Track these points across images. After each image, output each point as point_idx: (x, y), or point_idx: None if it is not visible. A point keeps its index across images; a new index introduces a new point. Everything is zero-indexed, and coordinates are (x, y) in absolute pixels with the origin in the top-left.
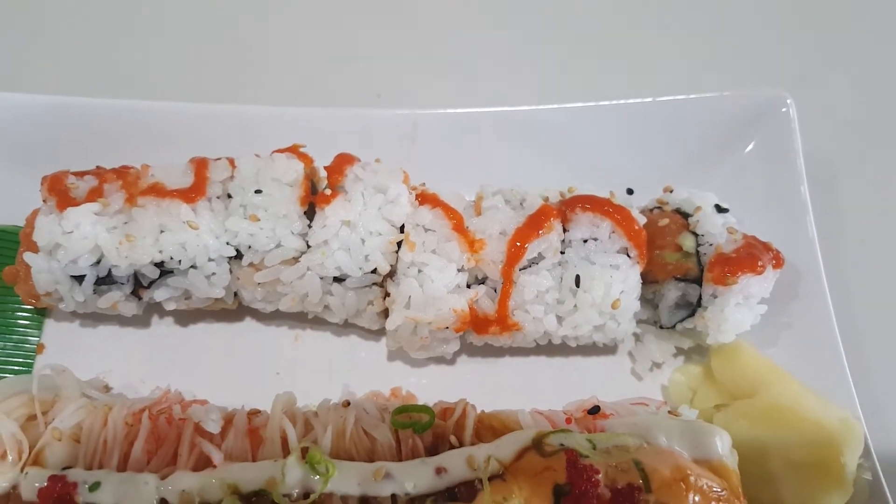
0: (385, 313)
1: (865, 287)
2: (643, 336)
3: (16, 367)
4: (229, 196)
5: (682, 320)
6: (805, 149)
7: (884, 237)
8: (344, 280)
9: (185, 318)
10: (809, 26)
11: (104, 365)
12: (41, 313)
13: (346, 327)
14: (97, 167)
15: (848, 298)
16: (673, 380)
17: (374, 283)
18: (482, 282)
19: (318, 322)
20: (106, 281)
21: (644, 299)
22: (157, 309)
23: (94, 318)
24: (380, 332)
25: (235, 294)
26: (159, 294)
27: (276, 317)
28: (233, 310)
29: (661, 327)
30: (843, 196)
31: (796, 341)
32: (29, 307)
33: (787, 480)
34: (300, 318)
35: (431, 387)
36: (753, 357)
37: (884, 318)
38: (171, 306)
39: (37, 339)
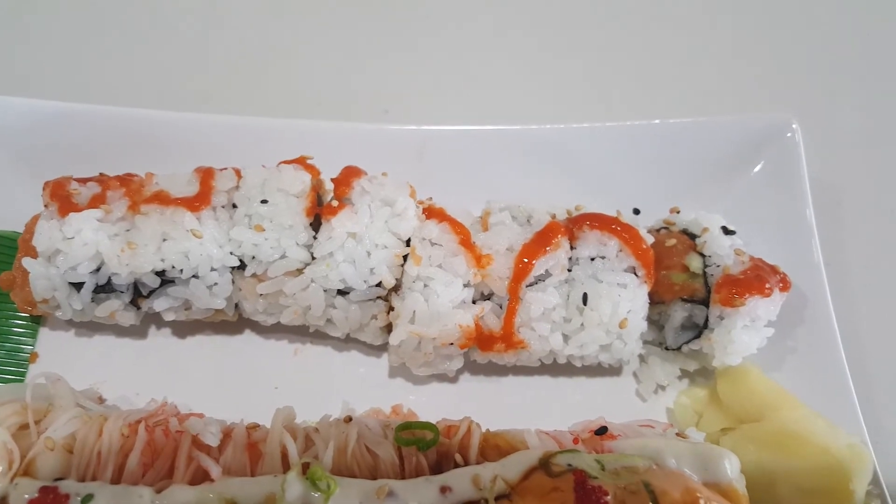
0: (388, 328)
1: (872, 312)
2: (648, 357)
3: (8, 376)
4: (234, 206)
5: (687, 342)
6: (811, 174)
7: (890, 262)
8: (348, 293)
9: (184, 329)
10: (817, 52)
11: (99, 376)
12: (36, 321)
13: (348, 342)
14: (101, 174)
15: (854, 323)
16: (678, 402)
17: (378, 297)
18: (488, 298)
19: (318, 336)
20: (105, 289)
21: (650, 320)
22: (154, 319)
23: (89, 327)
24: (381, 349)
25: (236, 306)
26: (159, 304)
27: (277, 330)
28: (233, 322)
29: (666, 349)
30: (848, 221)
31: (803, 366)
32: (24, 315)
33: None
34: (301, 332)
35: (433, 405)
36: (760, 380)
37: (890, 344)
38: (170, 317)
39: (31, 347)
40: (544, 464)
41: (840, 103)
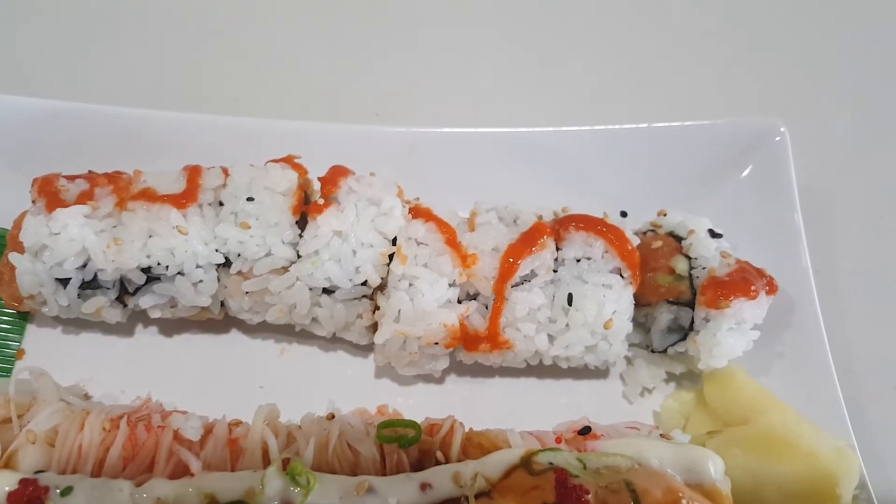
0: (374, 327)
1: (860, 317)
2: (634, 360)
3: None
4: (221, 203)
5: (673, 344)
6: (800, 181)
7: (878, 268)
8: (333, 292)
9: (170, 327)
10: (806, 59)
11: (85, 373)
12: (23, 318)
13: (334, 342)
14: (89, 172)
15: (843, 328)
16: (665, 405)
17: (363, 296)
18: (474, 297)
19: (304, 336)
20: (91, 285)
21: (636, 322)
22: (141, 318)
23: (76, 324)
24: (367, 349)
25: (222, 304)
26: (145, 301)
27: (262, 329)
28: (218, 321)
29: (652, 351)
30: (837, 228)
31: (790, 370)
32: (11, 311)
33: None
34: (287, 332)
35: (419, 406)
36: (747, 384)
37: (878, 348)
38: (156, 314)
39: (17, 344)
40: (525, 462)
41: (829, 110)
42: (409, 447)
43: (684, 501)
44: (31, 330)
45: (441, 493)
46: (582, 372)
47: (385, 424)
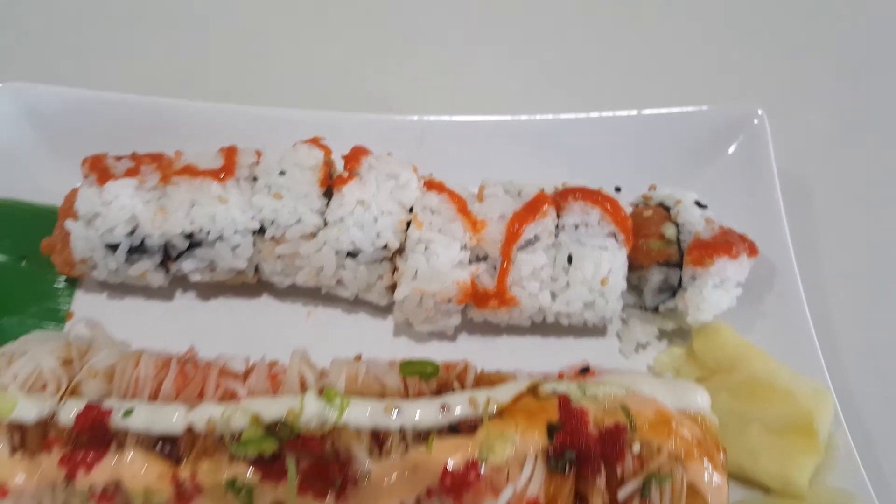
0: (393, 288)
1: (836, 280)
2: (629, 319)
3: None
4: (254, 179)
5: (664, 302)
6: (781, 167)
7: (859, 252)
8: (357, 255)
9: (207, 292)
10: (786, 47)
11: (129, 333)
12: (72, 284)
13: (356, 305)
14: (133, 153)
15: (820, 293)
16: (658, 360)
17: (384, 259)
18: (483, 259)
19: (329, 300)
20: (138, 250)
21: (630, 285)
22: (181, 283)
23: (121, 289)
24: (386, 310)
25: (256, 269)
26: (187, 265)
27: (291, 294)
28: (251, 285)
29: (645, 309)
30: (818, 213)
31: (771, 327)
32: (62, 277)
33: (765, 447)
34: (313, 296)
35: None
36: (732, 337)
37: (853, 308)
38: (196, 278)
39: (67, 307)
40: (532, 390)
41: (809, 97)
42: (429, 379)
43: (674, 422)
44: (79, 295)
45: (458, 413)
46: (582, 330)
47: (406, 362)
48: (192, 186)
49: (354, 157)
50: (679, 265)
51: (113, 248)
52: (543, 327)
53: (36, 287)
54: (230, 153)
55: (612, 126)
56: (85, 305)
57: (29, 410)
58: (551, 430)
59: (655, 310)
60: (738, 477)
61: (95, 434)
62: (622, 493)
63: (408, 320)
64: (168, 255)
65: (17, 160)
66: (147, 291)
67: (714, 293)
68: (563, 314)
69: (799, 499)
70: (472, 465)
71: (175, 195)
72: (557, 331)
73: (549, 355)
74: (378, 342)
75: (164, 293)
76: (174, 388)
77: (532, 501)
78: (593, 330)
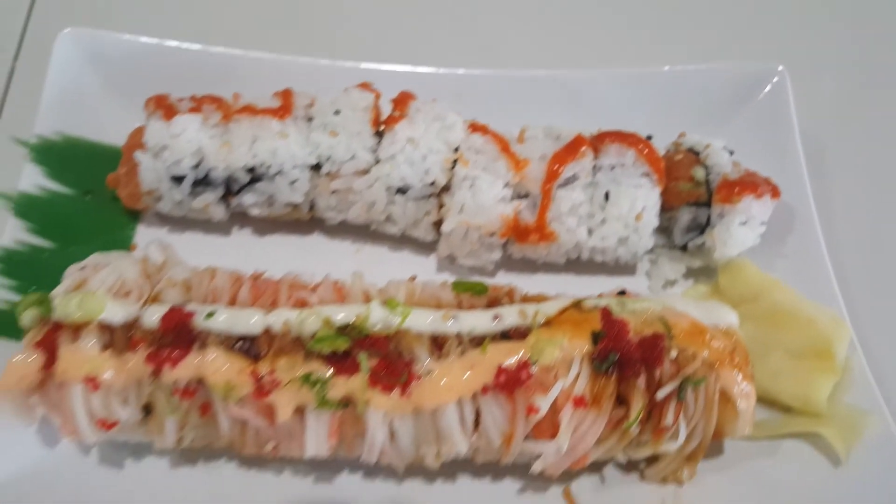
0: (438, 225)
1: (854, 224)
2: (658, 259)
3: None
4: (310, 119)
5: (693, 240)
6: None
7: (874, 212)
8: (406, 191)
9: (263, 228)
10: (805, 7)
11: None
12: (135, 218)
13: (402, 243)
14: (192, 95)
15: (835, 236)
16: (685, 294)
17: (431, 195)
18: (524, 196)
19: (377, 237)
20: (202, 183)
21: (660, 228)
22: (238, 219)
23: (181, 224)
24: (430, 247)
25: (311, 206)
26: (247, 199)
27: (341, 231)
28: (305, 221)
29: (673, 248)
30: (834, 173)
31: (791, 265)
32: (125, 213)
33: (786, 370)
34: (361, 233)
35: None
36: (755, 272)
37: (866, 250)
38: (254, 212)
39: (130, 240)
40: (576, 305)
41: (826, 58)
42: (480, 295)
43: (708, 334)
44: (141, 229)
45: (509, 322)
46: (613, 268)
47: (458, 281)
48: (253, 123)
49: (403, 100)
50: (707, 205)
51: (179, 180)
52: (577, 265)
53: (100, 220)
54: (286, 95)
55: (641, 81)
56: (146, 239)
57: (116, 313)
58: (595, 338)
59: (684, 248)
60: (761, 398)
61: (179, 334)
62: (660, 394)
63: (452, 254)
64: (229, 190)
65: (79, 102)
66: (205, 226)
67: (740, 230)
68: (597, 250)
69: (818, 416)
70: (523, 366)
71: (238, 131)
72: (590, 269)
73: (582, 292)
74: (422, 278)
75: (222, 228)
76: (250, 297)
77: (578, 399)
78: (624, 268)
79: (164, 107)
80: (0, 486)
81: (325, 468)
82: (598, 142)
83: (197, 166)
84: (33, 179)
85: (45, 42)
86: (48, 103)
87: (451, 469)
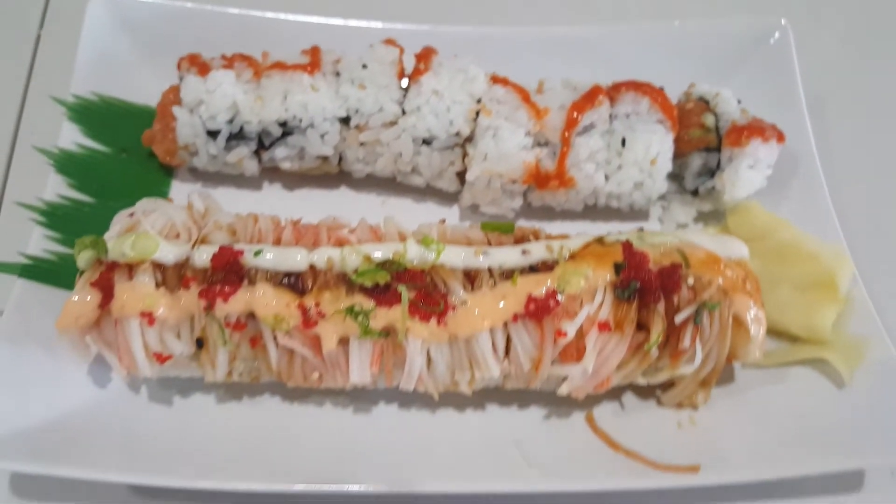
0: (461, 175)
1: (850, 171)
2: (670, 204)
3: None
4: (338, 74)
5: (703, 184)
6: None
7: (873, 167)
8: (431, 142)
9: (292, 183)
10: None
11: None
12: (169, 175)
13: (425, 194)
14: (222, 55)
15: (836, 179)
16: None
17: (455, 145)
18: (545, 145)
19: (401, 189)
20: (237, 137)
21: (672, 175)
22: (268, 175)
23: (214, 180)
24: (453, 198)
25: (339, 159)
26: (279, 153)
27: (368, 184)
28: (333, 175)
29: (685, 193)
30: (833, 130)
31: (795, 206)
32: (160, 169)
33: (793, 302)
34: (387, 186)
35: None
36: (762, 213)
37: (863, 191)
38: (286, 165)
39: (165, 196)
40: (598, 240)
41: (826, 13)
42: (508, 234)
43: (722, 263)
44: (175, 185)
45: (537, 256)
46: (627, 214)
47: (486, 222)
48: (284, 78)
49: (426, 55)
50: (717, 150)
51: (214, 134)
52: (593, 212)
53: (136, 176)
54: (314, 51)
55: (652, 35)
56: (181, 195)
57: (168, 252)
58: (617, 268)
59: (695, 193)
60: (770, 329)
61: (229, 271)
62: (678, 318)
63: (475, 203)
64: (262, 144)
65: (112, 64)
66: (237, 181)
67: (748, 173)
68: (613, 195)
69: (823, 343)
70: (551, 294)
71: (269, 86)
72: (606, 215)
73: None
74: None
75: (253, 183)
76: (293, 238)
77: (602, 324)
78: (638, 214)
79: (198, 64)
80: (55, 423)
81: (363, 399)
82: (615, 91)
83: (231, 121)
84: (72, 137)
85: (76, 4)
86: (82, 66)
87: (482, 398)
